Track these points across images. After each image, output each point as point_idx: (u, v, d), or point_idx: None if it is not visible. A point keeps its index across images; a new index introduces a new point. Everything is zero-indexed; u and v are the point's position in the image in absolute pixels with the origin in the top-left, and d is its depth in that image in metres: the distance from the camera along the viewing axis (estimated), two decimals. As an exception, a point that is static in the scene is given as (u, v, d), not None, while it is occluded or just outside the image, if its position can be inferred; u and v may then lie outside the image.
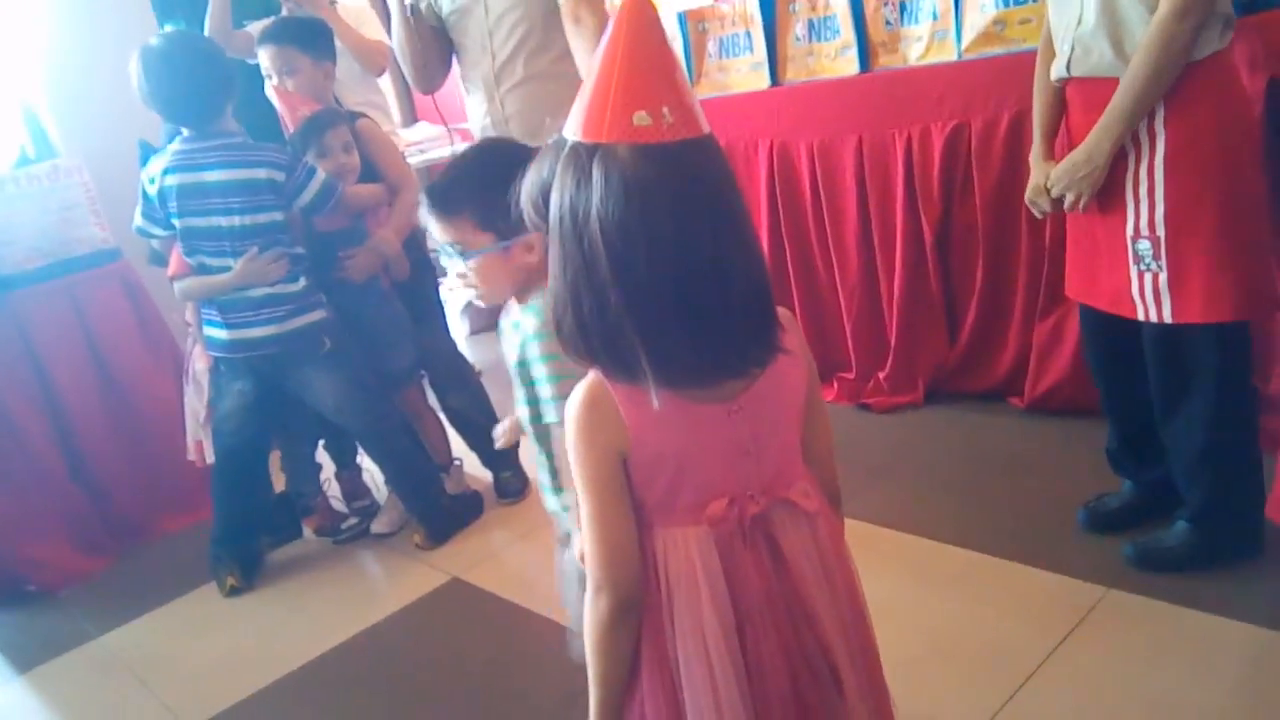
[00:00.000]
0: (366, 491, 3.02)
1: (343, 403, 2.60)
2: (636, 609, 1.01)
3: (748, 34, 3.18)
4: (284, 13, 3.04)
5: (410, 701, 2.08)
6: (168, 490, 3.16)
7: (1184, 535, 1.98)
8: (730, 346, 0.92)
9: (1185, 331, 1.80)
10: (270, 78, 2.65)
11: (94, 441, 3.07)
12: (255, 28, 2.98)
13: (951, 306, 2.93)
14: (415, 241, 2.77)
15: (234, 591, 2.68)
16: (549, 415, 1.39)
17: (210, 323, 2.57)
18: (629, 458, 0.97)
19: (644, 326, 0.89)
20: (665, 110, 0.87)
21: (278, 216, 2.49)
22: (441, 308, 3.03)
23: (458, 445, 3.00)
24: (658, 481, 0.99)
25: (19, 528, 2.89)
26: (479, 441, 2.91)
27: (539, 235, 1.34)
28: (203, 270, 2.52)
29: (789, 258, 3.17)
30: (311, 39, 2.64)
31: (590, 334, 0.91)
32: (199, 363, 2.77)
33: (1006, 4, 2.61)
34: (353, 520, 2.93)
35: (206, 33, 3.00)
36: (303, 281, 2.55)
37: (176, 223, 2.47)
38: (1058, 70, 1.88)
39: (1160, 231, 1.76)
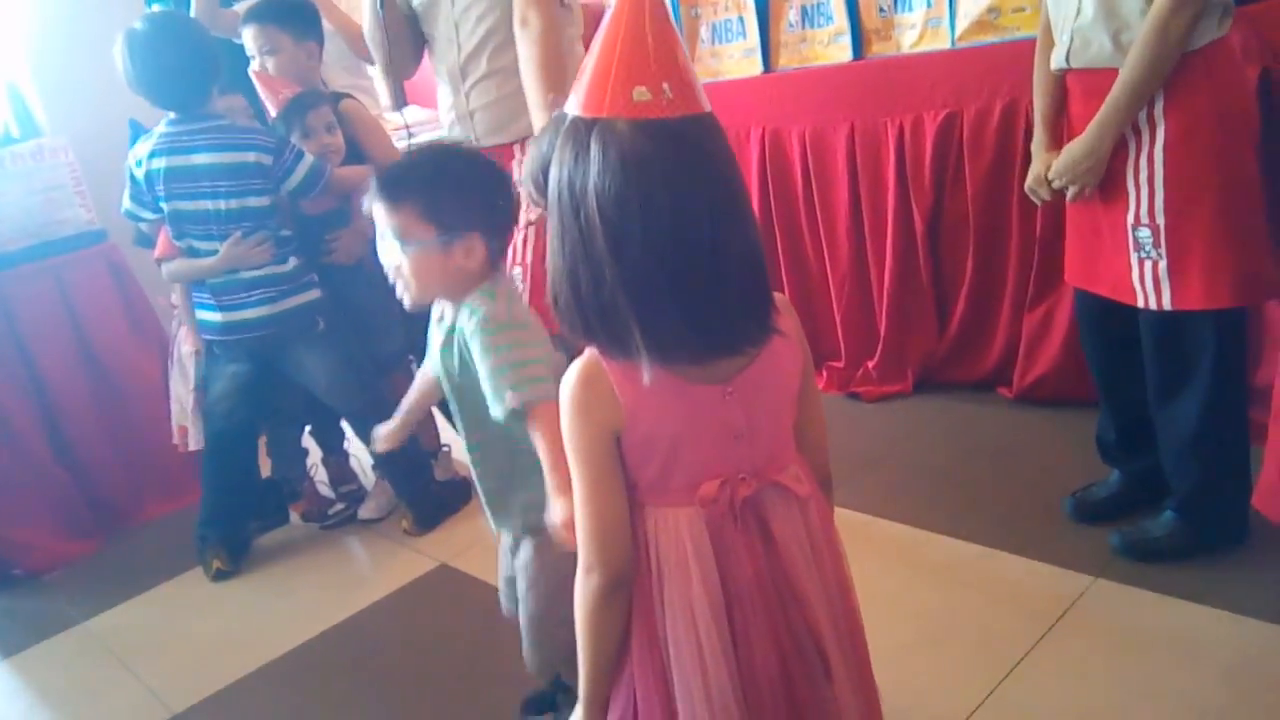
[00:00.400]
0: (354, 477, 3.01)
1: (334, 383, 2.59)
2: (627, 587, 1.01)
3: (740, 19, 3.16)
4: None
5: (397, 687, 2.08)
6: (154, 474, 3.15)
7: (1170, 525, 1.99)
8: (724, 324, 0.92)
9: (1184, 319, 1.81)
10: (253, 59, 2.62)
11: (79, 425, 3.04)
12: (242, 6, 2.95)
13: (941, 296, 2.93)
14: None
15: (220, 575, 2.67)
16: (505, 403, 1.32)
17: (203, 305, 2.55)
18: (623, 436, 0.97)
19: (638, 301, 0.89)
20: (665, 86, 0.87)
21: (265, 200, 2.47)
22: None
23: (446, 432, 2.99)
24: (651, 461, 0.99)
25: (3, 511, 2.87)
26: None
27: (478, 237, 1.37)
28: (191, 253, 2.50)
29: (780, 245, 3.17)
30: (294, 18, 2.61)
31: (586, 308, 0.91)
32: (185, 346, 2.75)
33: (1000, -8, 2.60)
34: (340, 506, 2.92)
35: (194, 12, 2.96)
36: (293, 262, 2.54)
37: (165, 206, 2.46)
38: (1057, 61, 1.88)
39: (1160, 219, 1.77)
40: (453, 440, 2.98)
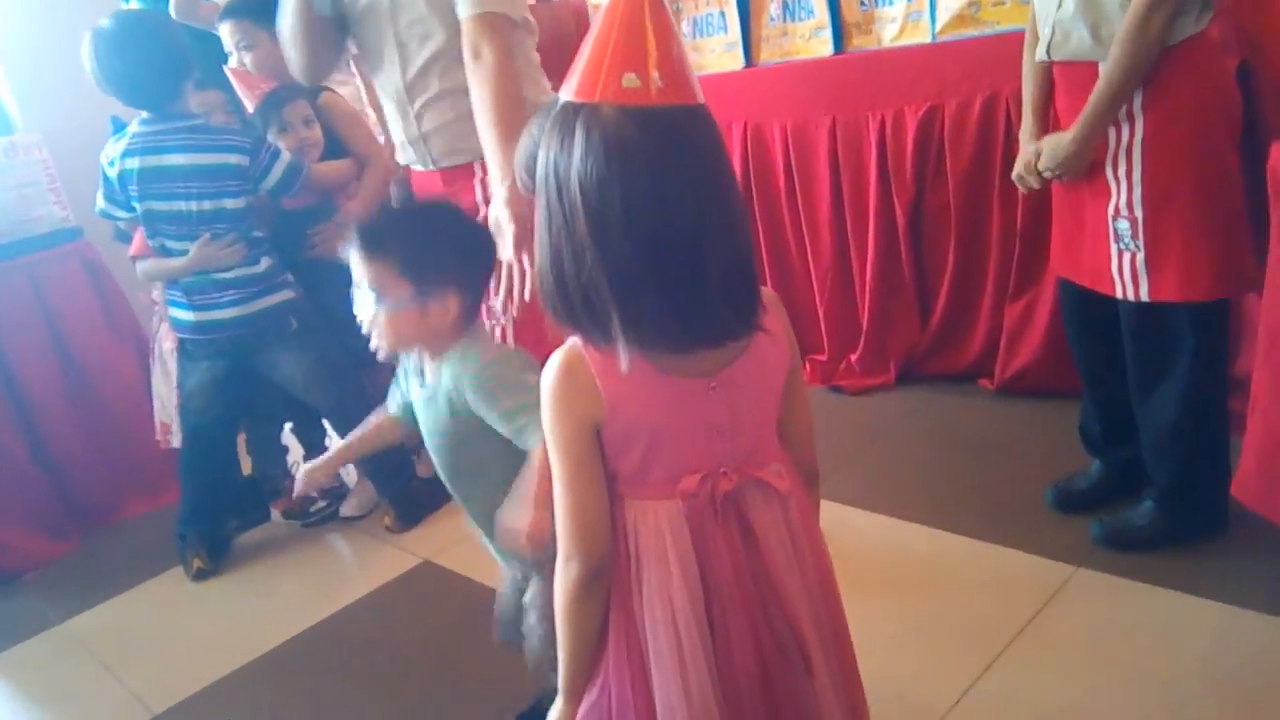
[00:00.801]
0: (335, 474, 2.98)
1: (312, 382, 2.57)
2: (605, 579, 1.01)
3: (722, 14, 3.16)
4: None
5: (381, 685, 2.06)
6: (132, 473, 3.12)
7: (1151, 514, 2.01)
8: (705, 316, 0.91)
9: (1162, 310, 1.82)
10: (230, 55, 2.59)
11: (55, 424, 3.01)
12: (221, -1, 2.92)
13: (923, 289, 2.94)
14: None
15: (201, 575, 2.65)
16: (532, 440, 1.34)
17: (175, 304, 2.54)
18: (603, 428, 0.97)
19: (618, 286, 0.88)
20: (656, 75, 0.86)
21: (241, 202, 2.45)
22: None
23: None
24: (631, 453, 0.98)
25: (-21, 512, 2.83)
26: None
27: (454, 294, 1.36)
28: (164, 252, 2.48)
29: (762, 239, 3.17)
30: (269, 12, 2.58)
31: (569, 292, 0.91)
32: (166, 343, 2.73)
33: (980, -15, 2.61)
34: (321, 503, 2.90)
35: (171, 6, 2.93)
36: (265, 263, 2.52)
37: (138, 206, 2.43)
38: (1040, 54, 1.90)
39: (1139, 212, 1.78)
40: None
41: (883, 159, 2.84)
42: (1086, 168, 1.84)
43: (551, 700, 1.63)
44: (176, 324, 2.57)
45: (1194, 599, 1.83)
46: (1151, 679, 1.66)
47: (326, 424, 2.89)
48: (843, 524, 2.24)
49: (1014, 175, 2.02)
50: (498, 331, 1.93)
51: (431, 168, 2.09)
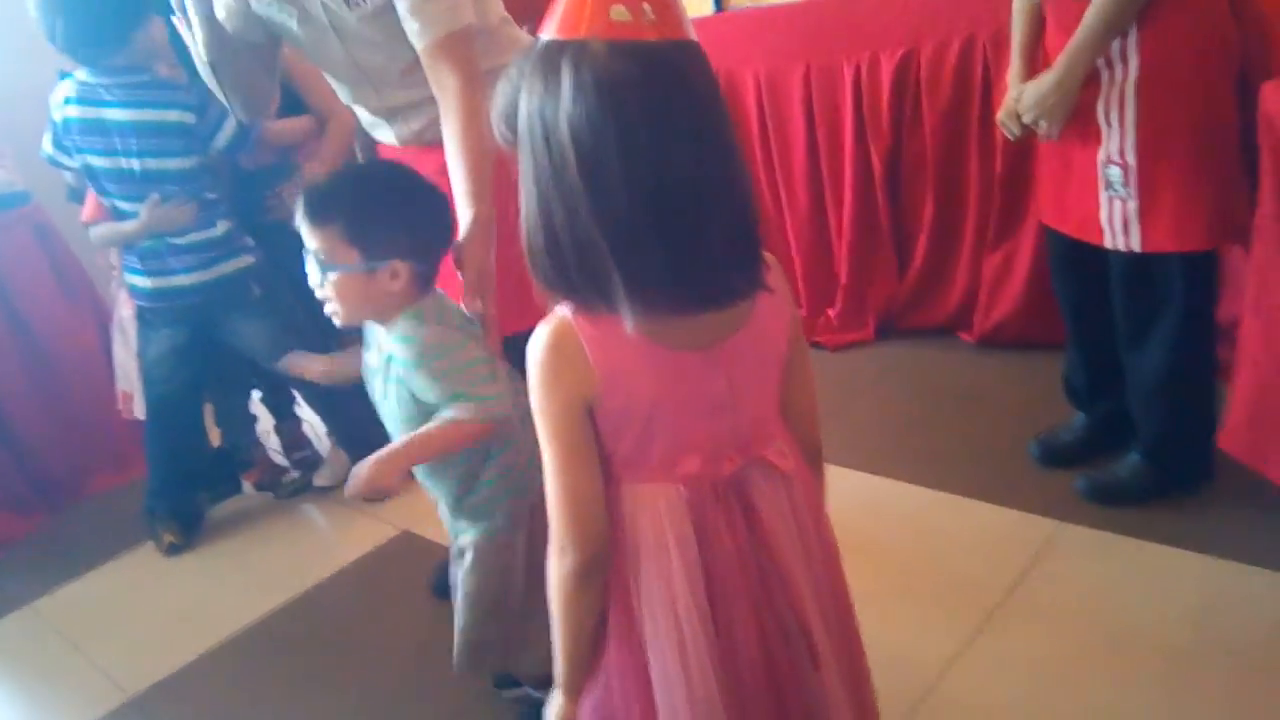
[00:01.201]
0: (307, 443, 2.92)
1: (276, 350, 2.47)
2: (603, 568, 0.95)
3: (691, -43, 3.05)
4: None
5: (361, 660, 2.03)
6: (97, 446, 3.03)
7: (1136, 467, 1.99)
8: (711, 272, 0.85)
9: (1153, 260, 1.79)
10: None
11: (12, 398, 2.89)
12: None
13: (901, 240, 2.89)
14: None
15: (173, 549, 2.59)
16: (446, 413, 1.34)
17: (131, 270, 2.43)
18: (596, 406, 0.91)
19: (617, 240, 0.82)
20: (646, 7, 0.80)
21: (189, 161, 2.33)
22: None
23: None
24: (627, 433, 0.93)
25: (-64, 491, 2.75)
26: None
27: (404, 263, 1.31)
28: (116, 214, 2.37)
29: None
30: None
31: (562, 251, 0.84)
32: (125, 310, 2.63)
33: (958, -75, 2.53)
34: (294, 474, 2.83)
35: None
36: (222, 226, 2.41)
37: (75, 158, 2.31)
38: None
39: (1131, 158, 1.73)
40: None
41: (858, 106, 2.78)
42: (1069, 114, 1.78)
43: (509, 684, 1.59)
44: (134, 291, 2.46)
45: (1181, 552, 1.83)
46: (1142, 634, 1.66)
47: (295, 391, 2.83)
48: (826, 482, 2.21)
49: (998, 119, 1.96)
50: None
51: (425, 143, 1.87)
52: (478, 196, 1.51)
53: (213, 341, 2.50)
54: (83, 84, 2.28)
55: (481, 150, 1.53)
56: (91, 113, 2.27)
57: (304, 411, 2.90)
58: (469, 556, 1.49)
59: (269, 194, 2.53)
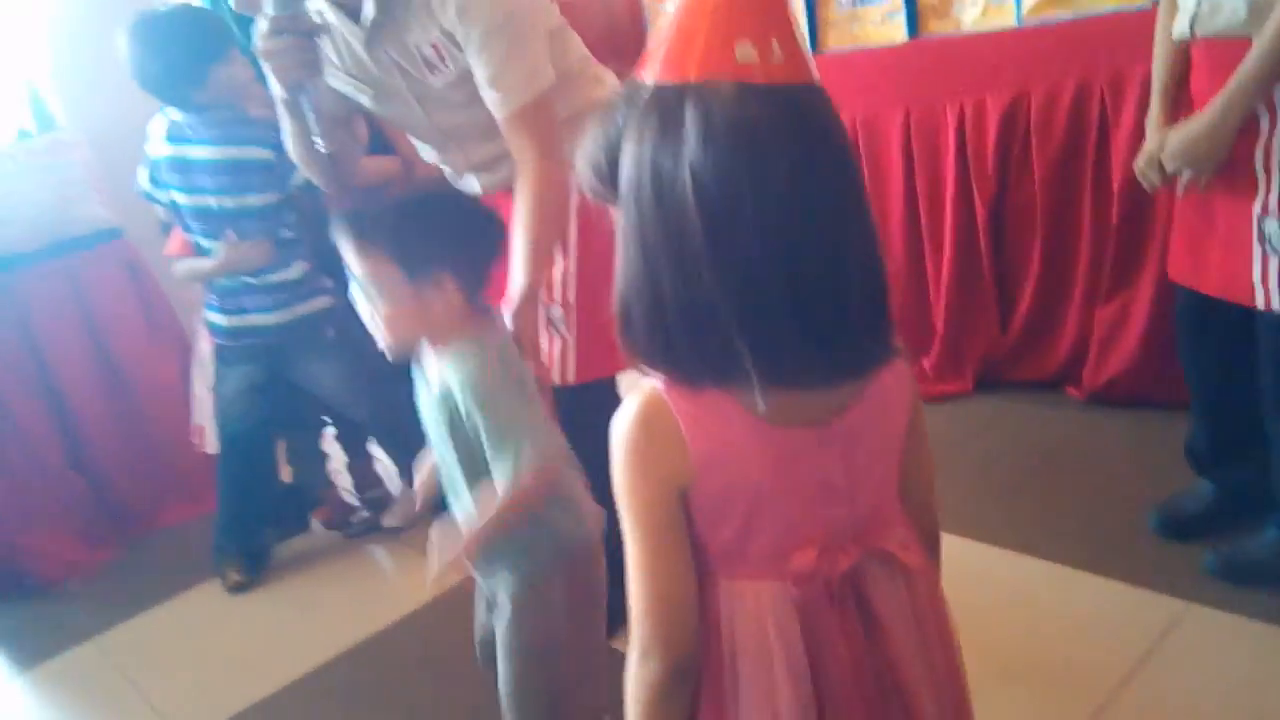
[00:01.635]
0: (378, 482, 2.86)
1: (349, 394, 2.44)
2: (691, 676, 0.82)
3: (785, -2, 2.98)
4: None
5: (426, 712, 1.93)
6: (171, 479, 3.01)
7: (1275, 543, 1.80)
8: (845, 339, 0.74)
9: None
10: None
11: (94, 427, 2.92)
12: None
13: (1004, 289, 2.74)
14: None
15: (238, 589, 2.54)
16: (498, 470, 1.23)
17: (210, 307, 2.44)
18: (691, 492, 0.79)
19: (745, 305, 0.71)
20: (775, 44, 0.70)
21: (270, 198, 2.33)
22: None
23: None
24: (726, 523, 0.80)
25: (16, 518, 2.75)
26: None
27: (448, 275, 1.21)
28: (199, 251, 2.38)
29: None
30: None
31: (667, 316, 0.73)
32: (204, 344, 2.62)
33: (1072, -38, 2.41)
34: (364, 513, 2.77)
35: None
36: (299, 267, 2.40)
37: (163, 194, 2.33)
38: (1180, 29, 1.68)
39: None
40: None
41: (961, 152, 2.65)
42: (1221, 160, 1.62)
43: None
44: (212, 328, 2.46)
45: (1329, 644, 1.63)
46: None
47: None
48: (920, 548, 2.05)
49: (1136, 168, 1.80)
50: (557, 345, 1.77)
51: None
52: (534, 265, 1.49)
53: (287, 380, 2.47)
54: (173, 122, 2.32)
55: (548, 225, 1.54)
56: (179, 150, 2.30)
57: (377, 450, 2.84)
58: (507, 610, 1.36)
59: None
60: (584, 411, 1.37)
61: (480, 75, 1.55)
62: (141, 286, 3.06)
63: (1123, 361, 2.48)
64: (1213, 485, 1.98)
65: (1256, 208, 1.61)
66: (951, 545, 2.16)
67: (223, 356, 2.49)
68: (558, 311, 1.76)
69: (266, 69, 1.58)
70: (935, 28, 2.72)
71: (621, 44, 2.98)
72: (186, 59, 2.22)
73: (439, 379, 1.29)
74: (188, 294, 2.85)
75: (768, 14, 0.71)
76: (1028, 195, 2.57)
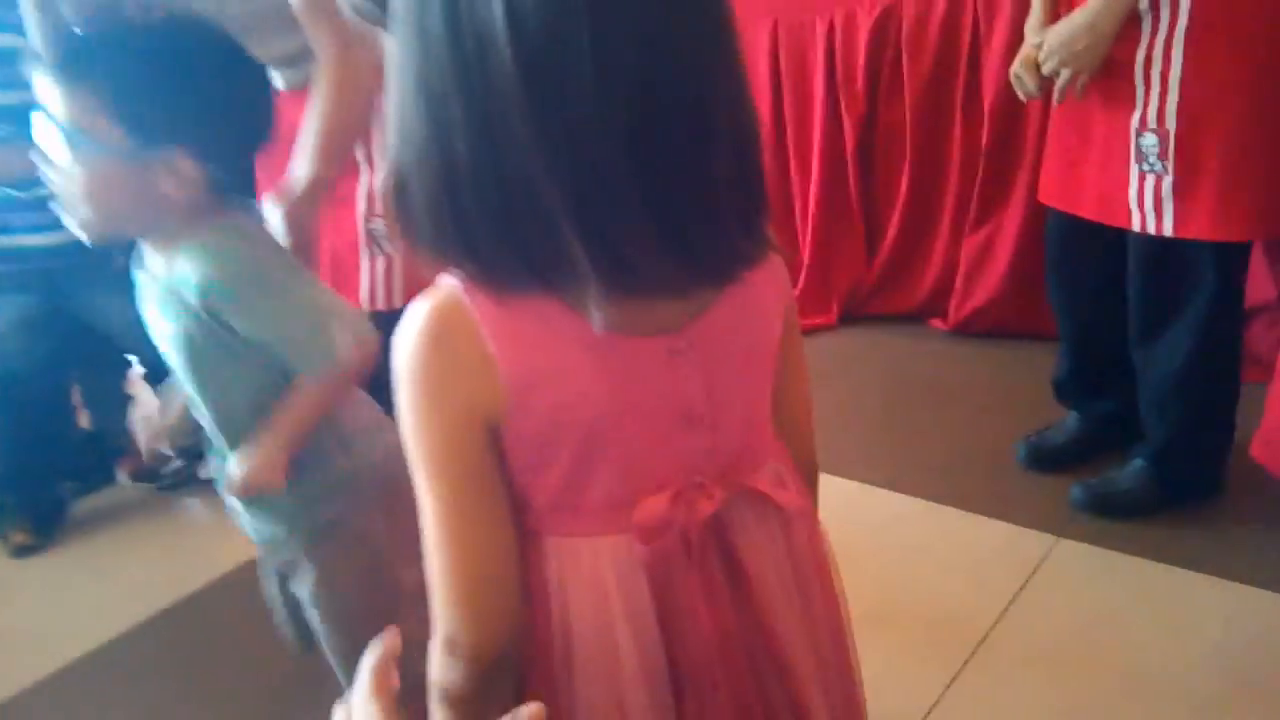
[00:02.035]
0: (196, 427, 2.56)
1: (139, 332, 2.13)
2: (510, 671, 0.64)
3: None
4: None
5: (240, 682, 1.72)
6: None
7: (1141, 475, 1.78)
8: (712, 229, 0.56)
9: (1183, 245, 1.54)
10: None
11: None
12: None
13: (872, 218, 2.66)
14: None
15: (24, 551, 2.22)
16: (310, 360, 1.03)
17: (-30, 222, 2.05)
18: (503, 425, 0.60)
19: (576, 185, 0.52)
20: None
21: (21, 95, 1.96)
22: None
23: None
24: (552, 465, 0.62)
25: None
26: None
27: (187, 157, 0.94)
28: None
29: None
30: None
31: (465, 201, 0.54)
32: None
33: None
34: (177, 463, 2.47)
35: None
36: None
37: None
38: None
39: (1170, 124, 1.48)
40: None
41: (830, 69, 2.54)
42: (1098, 59, 1.51)
43: None
44: (-26, 251, 2.09)
45: (1193, 574, 1.62)
46: (1151, 665, 1.46)
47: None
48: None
49: (1011, 72, 1.68)
50: (380, 265, 1.53)
51: None
52: (323, 157, 1.28)
53: (73, 313, 2.14)
54: None
55: (344, 117, 1.34)
56: None
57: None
58: (311, 573, 1.14)
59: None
60: None
61: None
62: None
63: (988, 293, 2.44)
64: (1079, 417, 1.95)
65: (1134, 120, 1.52)
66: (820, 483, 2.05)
67: (-8, 282, 2.13)
68: (380, 225, 1.52)
69: None
70: (804, -67, 2.56)
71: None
72: None
73: (164, 270, 1.03)
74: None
75: None
76: (898, 115, 2.48)
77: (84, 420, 2.50)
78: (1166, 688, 1.41)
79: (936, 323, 2.57)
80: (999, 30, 2.22)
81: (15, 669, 1.82)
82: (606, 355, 0.59)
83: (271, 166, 1.34)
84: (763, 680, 0.67)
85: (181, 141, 0.95)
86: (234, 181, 1.06)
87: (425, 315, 0.59)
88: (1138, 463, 1.78)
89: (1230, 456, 1.74)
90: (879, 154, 2.55)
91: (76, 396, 2.46)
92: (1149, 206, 1.54)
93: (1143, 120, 1.51)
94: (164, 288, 1.04)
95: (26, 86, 1.93)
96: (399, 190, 0.56)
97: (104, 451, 2.47)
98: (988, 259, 2.41)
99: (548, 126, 0.51)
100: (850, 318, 2.72)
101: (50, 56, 0.96)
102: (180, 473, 2.45)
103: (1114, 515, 1.76)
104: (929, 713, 1.43)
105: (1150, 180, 1.52)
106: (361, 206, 1.51)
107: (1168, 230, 1.53)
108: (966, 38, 2.30)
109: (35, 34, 1.63)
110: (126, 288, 2.06)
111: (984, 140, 2.31)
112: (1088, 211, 1.66)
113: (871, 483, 1.99)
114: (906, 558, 1.78)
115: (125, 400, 2.50)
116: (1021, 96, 1.69)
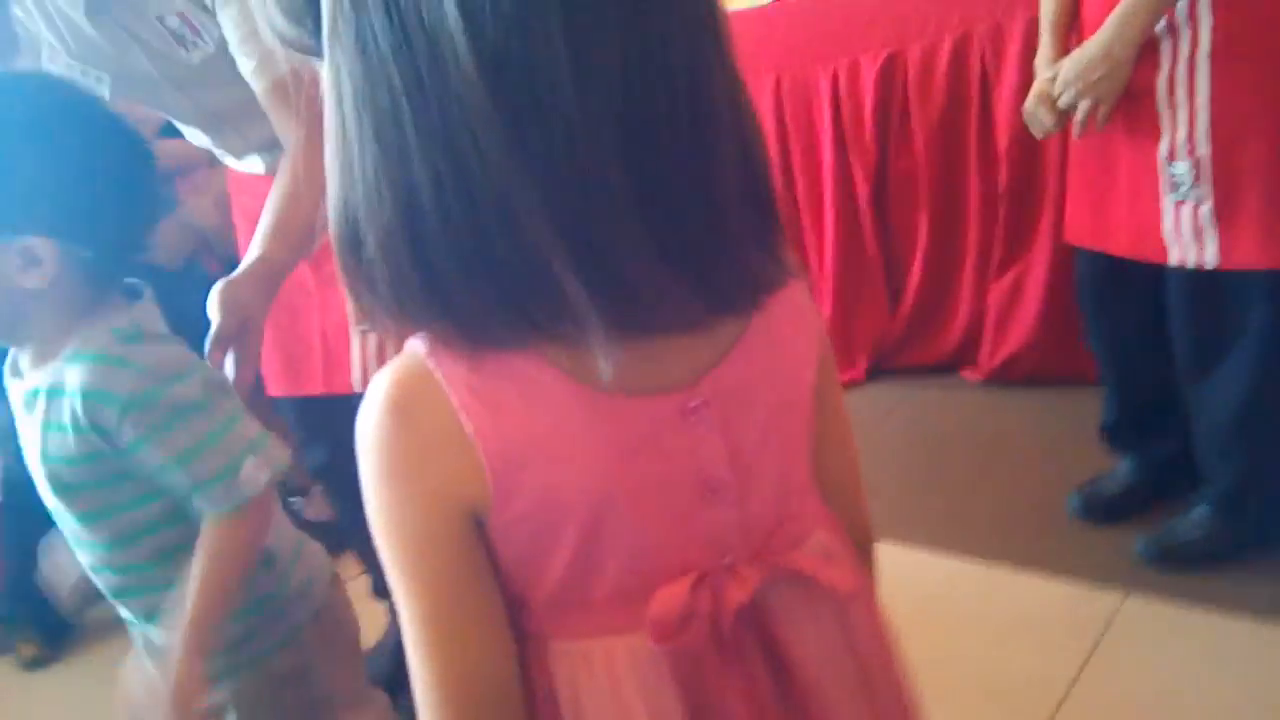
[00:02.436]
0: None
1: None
2: None
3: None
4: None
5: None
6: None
7: (1207, 522, 1.67)
8: (722, 251, 0.48)
9: (1229, 277, 1.46)
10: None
11: None
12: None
13: (892, 267, 2.59)
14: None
15: (34, 664, 2.14)
16: (221, 500, 0.90)
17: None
18: (488, 510, 0.51)
19: (564, 209, 0.44)
20: None
21: None
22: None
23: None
24: (552, 554, 0.53)
25: None
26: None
27: (49, 243, 0.82)
28: None
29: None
30: None
31: (429, 245, 0.45)
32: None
33: (944, -94, 2.27)
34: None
35: None
36: None
37: None
38: None
39: (1203, 149, 1.40)
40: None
41: (838, 119, 2.50)
42: (1118, 89, 1.45)
43: None
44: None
45: (1272, 627, 1.49)
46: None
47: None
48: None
49: (1025, 110, 1.62)
50: (371, 343, 1.45)
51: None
52: (276, 239, 1.17)
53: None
54: None
55: (303, 201, 1.22)
56: None
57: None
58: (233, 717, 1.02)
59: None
60: None
61: (231, 39, 1.25)
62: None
63: (1021, 339, 2.35)
64: (1132, 463, 1.84)
65: (1162, 150, 1.45)
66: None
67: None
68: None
69: None
70: (801, -13, 2.55)
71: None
72: None
73: (48, 378, 0.90)
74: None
75: None
76: (910, 163, 2.43)
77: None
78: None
79: (968, 373, 2.48)
80: (1008, 69, 2.18)
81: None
82: (607, 420, 0.51)
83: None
84: None
85: (40, 228, 0.84)
86: (125, 270, 0.94)
87: (385, 389, 0.51)
88: (1201, 509, 1.67)
89: (1301, 496, 1.64)
90: (894, 202, 2.50)
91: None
92: (1188, 238, 1.46)
93: (1172, 148, 1.44)
94: (45, 402, 0.90)
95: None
96: (348, 239, 0.48)
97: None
98: (1017, 304, 2.33)
99: (521, 135, 0.43)
100: (878, 371, 2.64)
101: None
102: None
103: (1183, 567, 1.64)
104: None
105: (1187, 210, 1.44)
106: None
107: (1211, 262, 1.44)
108: (975, 79, 2.25)
109: None
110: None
111: (1002, 181, 2.25)
112: (1119, 249, 1.58)
113: (915, 545, 1.87)
114: (962, 625, 1.66)
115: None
116: (1037, 134, 1.62)
